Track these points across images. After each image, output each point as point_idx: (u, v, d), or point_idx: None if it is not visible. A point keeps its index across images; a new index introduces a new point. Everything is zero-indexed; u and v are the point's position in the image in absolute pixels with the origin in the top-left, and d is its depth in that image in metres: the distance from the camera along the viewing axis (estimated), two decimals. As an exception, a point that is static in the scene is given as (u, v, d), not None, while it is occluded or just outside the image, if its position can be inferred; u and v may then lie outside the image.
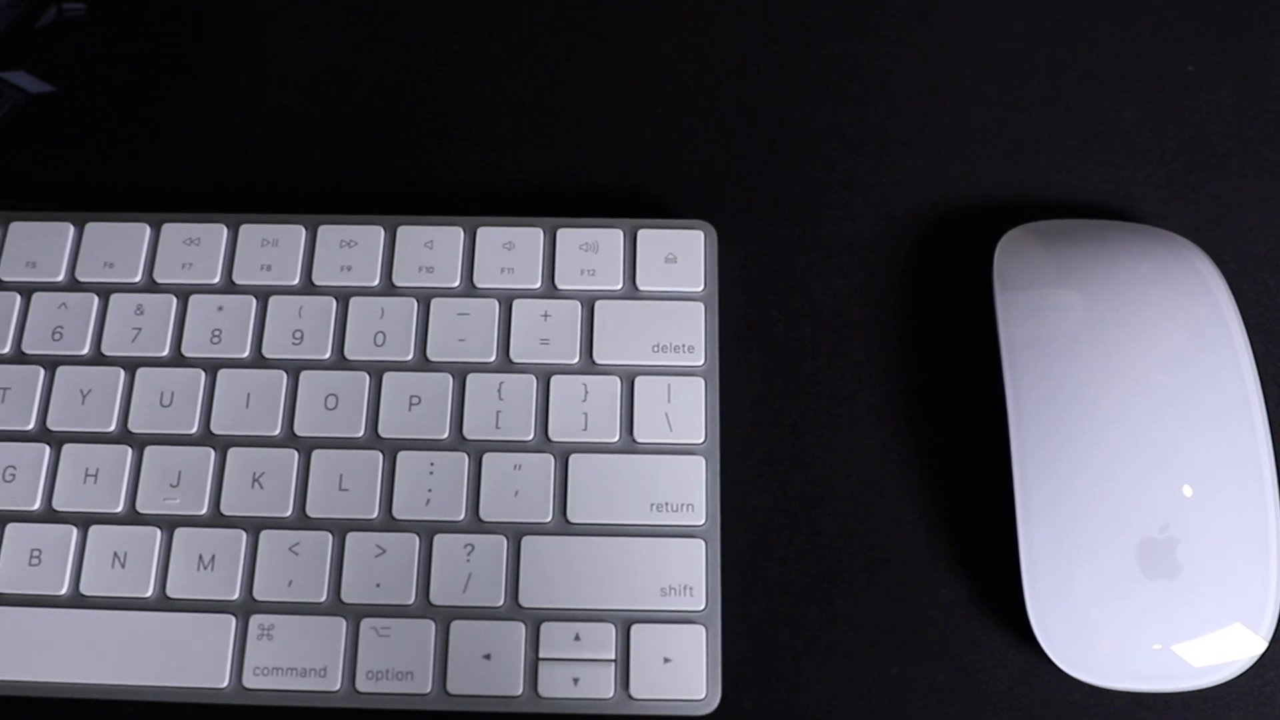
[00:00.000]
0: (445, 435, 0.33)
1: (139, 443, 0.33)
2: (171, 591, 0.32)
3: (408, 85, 0.39)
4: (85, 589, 0.32)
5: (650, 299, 0.34)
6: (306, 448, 0.33)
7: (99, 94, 0.39)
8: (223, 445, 0.33)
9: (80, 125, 0.38)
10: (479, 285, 0.34)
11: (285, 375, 0.34)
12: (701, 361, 0.33)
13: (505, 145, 0.38)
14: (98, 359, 0.34)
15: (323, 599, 0.32)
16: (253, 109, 0.39)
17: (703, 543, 0.32)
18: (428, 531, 0.32)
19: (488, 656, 0.31)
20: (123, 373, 0.34)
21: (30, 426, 0.33)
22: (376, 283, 0.34)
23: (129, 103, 0.39)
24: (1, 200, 0.38)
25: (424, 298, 0.34)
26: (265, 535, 0.32)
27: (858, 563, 0.33)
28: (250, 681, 0.31)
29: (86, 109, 0.38)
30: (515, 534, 0.32)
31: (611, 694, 0.31)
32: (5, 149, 0.38)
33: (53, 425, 0.33)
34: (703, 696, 0.31)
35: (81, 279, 0.35)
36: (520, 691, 0.31)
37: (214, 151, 0.38)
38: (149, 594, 0.32)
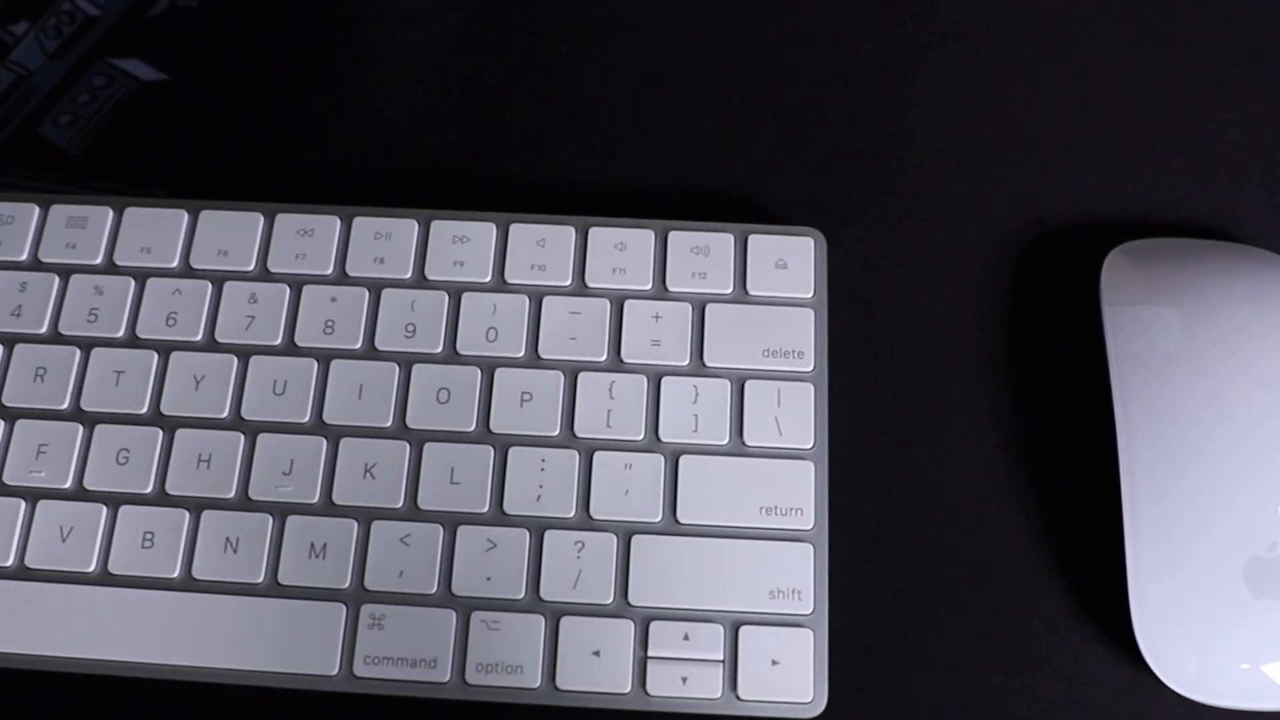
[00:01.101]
0: (556, 432, 0.33)
1: (251, 430, 0.33)
2: (283, 578, 0.32)
3: (518, 83, 0.39)
4: (197, 573, 0.32)
5: (760, 304, 0.34)
6: (418, 440, 0.33)
7: (210, 84, 0.39)
8: (335, 435, 0.33)
9: (191, 115, 0.39)
10: (590, 285, 0.35)
11: (397, 367, 0.34)
12: (811, 367, 0.34)
13: (614, 147, 0.38)
14: (211, 346, 0.34)
15: (433, 591, 0.32)
16: (363, 103, 0.39)
17: (811, 547, 0.32)
18: (538, 527, 0.32)
19: (597, 653, 0.31)
20: (236, 360, 0.34)
21: (144, 411, 0.34)
22: (489, 279, 0.35)
23: (239, 94, 0.39)
24: (115, 186, 0.38)
25: (536, 295, 0.35)
26: (376, 526, 0.32)
27: (962, 572, 0.33)
28: (361, 670, 0.31)
29: (198, 99, 0.39)
30: (625, 532, 0.32)
31: (719, 694, 0.31)
32: (118, 136, 0.38)
33: (166, 410, 0.34)
34: (810, 700, 0.31)
35: (196, 266, 0.35)
36: (629, 689, 0.31)
37: (324, 144, 0.38)
38: (260, 580, 0.32)
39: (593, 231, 0.35)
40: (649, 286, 0.35)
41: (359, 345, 0.34)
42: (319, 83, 0.39)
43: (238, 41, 0.40)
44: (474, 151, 0.38)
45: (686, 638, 0.31)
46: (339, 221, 0.35)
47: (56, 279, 0.35)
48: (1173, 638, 0.31)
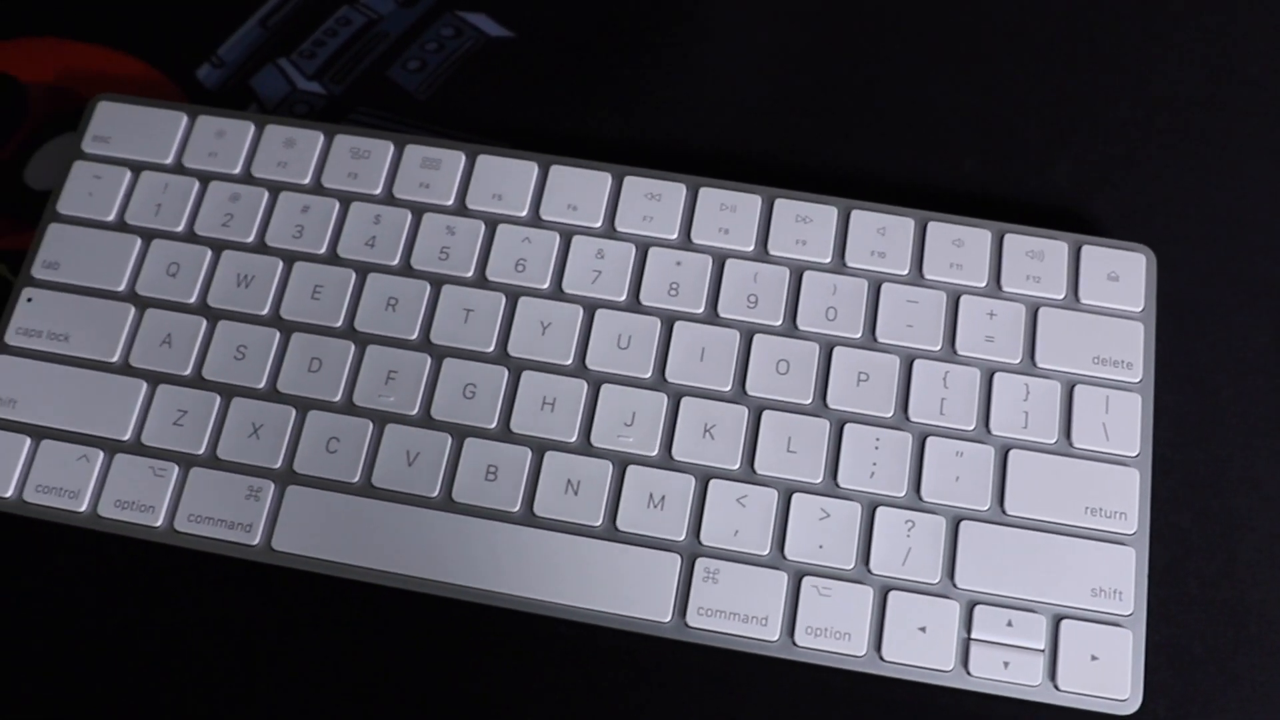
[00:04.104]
0: (890, 414, 0.34)
1: (595, 380, 0.35)
2: (621, 524, 0.33)
3: (857, 74, 0.40)
4: (538, 510, 0.34)
5: (1090, 312, 0.35)
6: (756, 407, 0.34)
7: (554, 45, 0.40)
8: (675, 393, 0.35)
9: (534, 73, 0.40)
10: (928, 276, 0.36)
11: (738, 335, 0.35)
12: (1139, 378, 0.35)
13: (943, 147, 0.39)
14: (557, 295, 0.36)
15: (766, 552, 0.33)
16: (700, 74, 0.40)
17: (1133, 551, 0.33)
18: (870, 503, 0.34)
19: (923, 629, 0.32)
20: (582, 311, 0.35)
21: (490, 350, 0.35)
22: (828, 260, 0.36)
23: (582, 56, 0.40)
24: (455, 133, 0.39)
25: (874, 281, 0.36)
26: (714, 484, 0.34)
27: (1272, 592, 0.34)
28: (694, 620, 0.33)
29: (541, 58, 0.40)
30: (954, 517, 0.33)
31: (1039, 682, 0.32)
32: (462, 86, 0.40)
33: (512, 351, 0.35)
34: (1126, 697, 0.32)
35: (544, 217, 0.37)
36: (951, 667, 0.32)
37: (659, 110, 0.40)
38: (598, 523, 0.33)
39: (931, 226, 0.36)
40: (984, 284, 0.36)
41: (701, 310, 0.35)
42: (660, 50, 0.41)
43: (583, 4, 0.41)
44: (809, 135, 0.39)
45: (1010, 624, 0.33)
46: (685, 190, 0.37)
47: (409, 215, 0.37)
48: None
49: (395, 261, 0.36)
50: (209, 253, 0.37)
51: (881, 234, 0.36)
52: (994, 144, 0.39)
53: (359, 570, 0.33)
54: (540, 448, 0.34)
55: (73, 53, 0.41)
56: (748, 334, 0.35)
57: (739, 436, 0.34)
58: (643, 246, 0.36)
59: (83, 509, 0.34)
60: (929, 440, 0.34)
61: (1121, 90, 0.40)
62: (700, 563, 0.33)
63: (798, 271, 0.36)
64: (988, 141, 0.39)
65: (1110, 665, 0.32)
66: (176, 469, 0.34)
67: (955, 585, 0.33)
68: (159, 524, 0.34)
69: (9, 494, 0.34)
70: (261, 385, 0.35)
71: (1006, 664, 0.32)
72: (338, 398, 0.35)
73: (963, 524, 0.33)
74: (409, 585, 0.33)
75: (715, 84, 0.40)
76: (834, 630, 0.33)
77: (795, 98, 0.40)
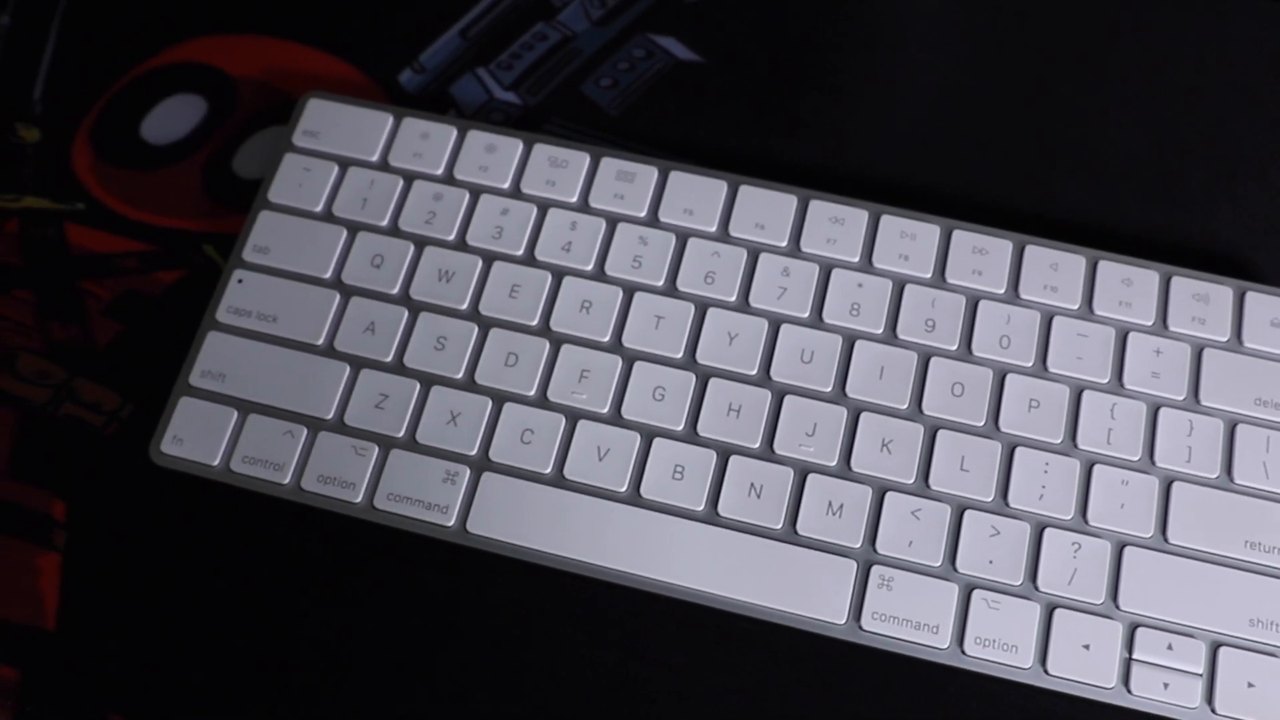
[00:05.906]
0: (1059, 441, 0.36)
1: (778, 391, 0.37)
2: (800, 528, 0.35)
3: (1033, 111, 0.42)
4: (722, 510, 0.35)
5: (1253, 356, 0.37)
6: (932, 425, 0.36)
7: (742, 72, 0.43)
8: (854, 408, 0.36)
9: (722, 97, 0.42)
10: (1097, 312, 0.37)
11: (916, 357, 0.37)
12: (1298, 423, 0.36)
13: (1107, 187, 0.41)
14: (743, 308, 0.38)
15: (937, 564, 0.35)
16: (883, 106, 0.42)
17: (1290, 587, 0.35)
18: (1037, 523, 0.35)
19: (1086, 647, 0.34)
20: (766, 325, 0.37)
21: (679, 356, 0.37)
22: (1003, 291, 0.38)
23: (767, 83, 0.42)
24: (644, 149, 0.42)
25: (1046, 314, 0.37)
26: (890, 496, 0.35)
27: None
28: (868, 624, 0.34)
29: (729, 83, 0.42)
30: (1117, 542, 0.35)
31: (1196, 705, 0.34)
32: (652, 106, 0.42)
33: (701, 359, 0.37)
34: (1281, 725, 0.34)
35: (733, 234, 0.39)
36: (1113, 685, 0.34)
37: (843, 140, 0.42)
38: (779, 526, 0.35)
39: (1101, 264, 0.38)
40: (1150, 323, 0.37)
41: (881, 331, 0.37)
42: (843, 82, 0.43)
43: (771, 33, 0.43)
44: (984, 169, 0.41)
45: (1170, 647, 0.34)
46: (867, 216, 0.39)
47: (604, 224, 0.39)
48: None
49: (589, 266, 0.38)
50: (411, 247, 0.39)
51: (1054, 269, 0.38)
52: (1159, 189, 0.41)
53: (548, 557, 0.35)
54: (725, 452, 0.36)
55: (281, 51, 0.43)
56: (925, 356, 0.37)
57: (915, 453, 0.36)
58: (826, 267, 0.38)
59: (286, 482, 0.36)
60: (1096, 468, 0.36)
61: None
62: (875, 570, 0.35)
63: (973, 300, 0.38)
64: (1153, 186, 0.41)
65: (1267, 693, 0.34)
66: (377, 449, 0.36)
67: (1118, 607, 0.34)
68: (358, 500, 0.36)
69: (216, 463, 0.36)
70: (460, 376, 0.37)
71: (1166, 685, 0.34)
72: (532, 392, 0.37)
73: (1126, 549, 0.35)
74: (594, 573, 0.35)
75: (895, 116, 0.42)
76: (1001, 642, 0.34)
77: (973, 134, 0.42)
